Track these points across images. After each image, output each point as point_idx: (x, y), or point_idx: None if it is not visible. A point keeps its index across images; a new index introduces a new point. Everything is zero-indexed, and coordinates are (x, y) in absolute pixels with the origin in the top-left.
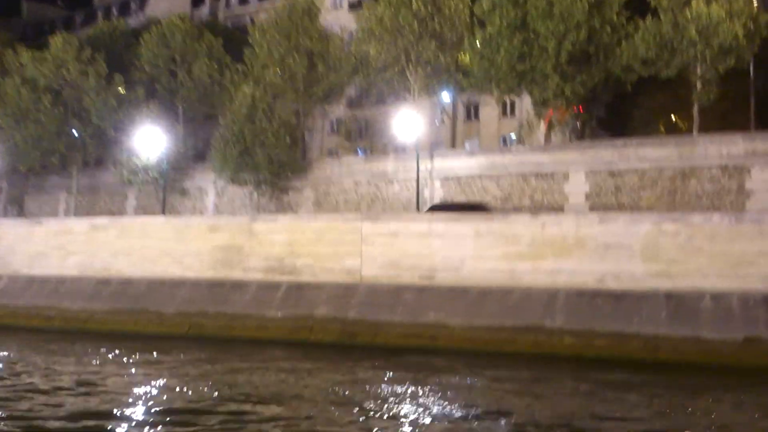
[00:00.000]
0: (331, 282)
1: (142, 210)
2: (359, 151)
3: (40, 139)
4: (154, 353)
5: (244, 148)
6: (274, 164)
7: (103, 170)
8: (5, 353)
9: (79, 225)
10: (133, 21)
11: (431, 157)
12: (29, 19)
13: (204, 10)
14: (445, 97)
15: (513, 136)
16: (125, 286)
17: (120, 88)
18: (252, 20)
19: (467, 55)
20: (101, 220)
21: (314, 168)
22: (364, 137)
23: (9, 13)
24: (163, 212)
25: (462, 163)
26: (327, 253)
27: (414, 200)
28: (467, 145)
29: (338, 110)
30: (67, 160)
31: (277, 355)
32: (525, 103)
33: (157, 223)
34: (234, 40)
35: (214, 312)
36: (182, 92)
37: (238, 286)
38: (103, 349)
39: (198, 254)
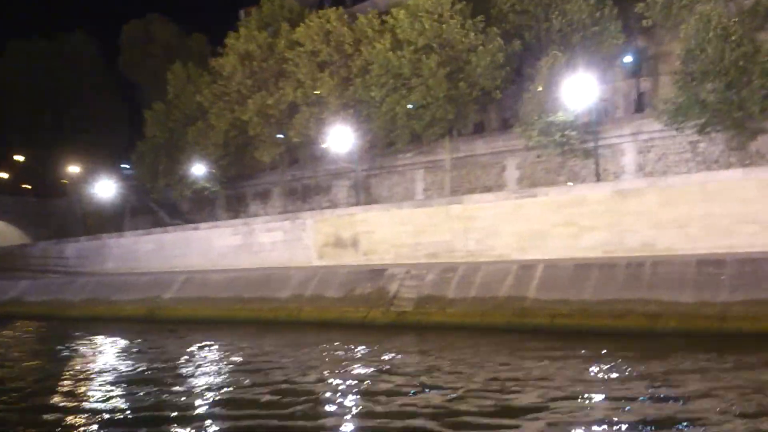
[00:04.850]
0: None
1: (527, 182)
2: None
3: (426, 107)
4: None
5: (729, 82)
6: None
7: (472, 140)
8: None
9: (594, 193)
10: None
11: None
12: None
13: None
14: None
15: None
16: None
17: (499, 40)
18: None
19: None
20: (631, 184)
21: None
22: None
23: None
24: (597, 176)
25: None
26: None
27: None
28: None
29: None
30: (448, 129)
31: None
32: None
33: (729, 179)
34: None
35: None
36: (556, 38)
37: None
38: None
39: None
